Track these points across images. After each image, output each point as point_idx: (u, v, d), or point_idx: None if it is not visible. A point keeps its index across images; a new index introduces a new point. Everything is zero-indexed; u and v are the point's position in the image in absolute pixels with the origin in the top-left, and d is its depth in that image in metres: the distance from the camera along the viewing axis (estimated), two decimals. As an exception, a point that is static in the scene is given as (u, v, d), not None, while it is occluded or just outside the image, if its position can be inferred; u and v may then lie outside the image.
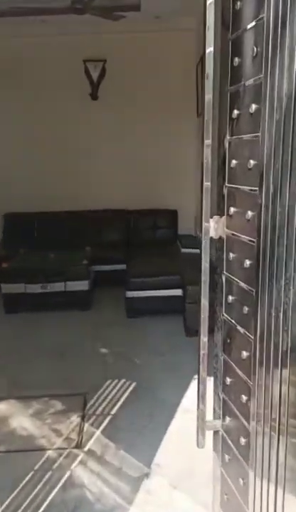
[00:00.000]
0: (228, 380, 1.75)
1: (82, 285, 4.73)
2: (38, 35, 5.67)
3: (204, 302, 1.80)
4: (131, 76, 5.98)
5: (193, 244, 5.71)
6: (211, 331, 1.86)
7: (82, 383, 3.23)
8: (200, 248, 1.83)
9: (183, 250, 5.54)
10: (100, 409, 2.89)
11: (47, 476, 2.28)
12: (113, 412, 2.85)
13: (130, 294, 4.46)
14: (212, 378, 1.88)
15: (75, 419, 2.79)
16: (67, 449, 2.51)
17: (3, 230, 6.13)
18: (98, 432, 2.64)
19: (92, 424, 2.73)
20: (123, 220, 6.17)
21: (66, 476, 2.29)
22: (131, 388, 3.13)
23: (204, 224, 1.78)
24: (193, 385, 3.12)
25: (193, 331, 4.01)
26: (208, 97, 1.64)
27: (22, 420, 2.80)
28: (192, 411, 2.88)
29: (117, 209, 6.24)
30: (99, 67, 5.91)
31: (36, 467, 2.35)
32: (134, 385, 3.17)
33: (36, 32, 5.58)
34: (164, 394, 3.04)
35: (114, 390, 3.11)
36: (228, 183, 1.72)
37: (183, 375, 3.28)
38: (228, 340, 1.75)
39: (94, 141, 6.16)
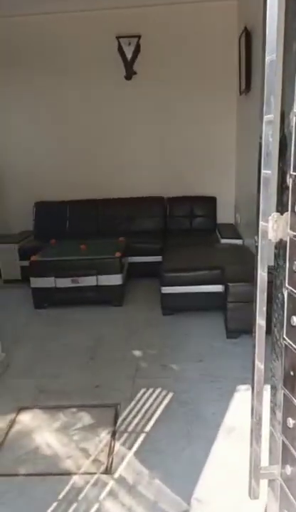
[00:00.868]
0: (291, 422, 1.38)
1: (115, 279, 4.42)
2: (64, 11, 5.33)
3: (260, 322, 1.44)
4: (167, 53, 5.55)
5: (234, 235, 5.30)
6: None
7: (113, 392, 2.93)
8: (256, 254, 1.45)
9: (223, 241, 5.14)
10: (133, 425, 2.58)
11: (72, 510, 2.00)
12: (147, 429, 2.54)
13: (165, 289, 4.12)
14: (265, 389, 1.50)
15: (105, 436, 2.50)
16: (95, 474, 2.22)
17: (34, 219, 5.88)
18: (130, 454, 2.34)
19: (123, 444, 2.43)
20: (160, 208, 5.82)
21: (94, 510, 1.99)
22: (166, 400, 2.81)
23: (261, 224, 1.39)
24: (238, 398, 2.78)
25: (234, 333, 3.65)
26: (270, 57, 1.25)
27: (47, 436, 2.53)
28: (237, 430, 2.55)
29: (152, 196, 5.88)
30: (133, 43, 5.50)
31: (60, 497, 2.08)
32: (170, 396, 2.85)
33: (62, 8, 5.23)
34: (204, 408, 2.70)
35: (149, 402, 2.80)
36: (295, 170, 1.32)
37: (225, 385, 2.94)
38: (292, 373, 1.38)
39: (128, 125, 5.79)
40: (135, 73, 5.59)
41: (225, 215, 5.93)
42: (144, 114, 5.74)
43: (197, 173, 5.86)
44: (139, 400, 2.81)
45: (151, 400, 2.81)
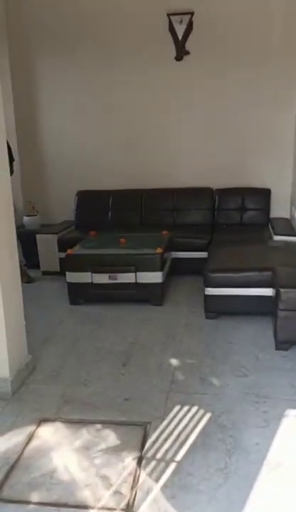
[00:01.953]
0: None
1: (155, 277, 4.10)
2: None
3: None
4: (222, 31, 5.10)
5: (289, 231, 4.83)
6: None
7: (144, 407, 2.63)
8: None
9: (276, 238, 4.68)
10: (162, 450, 2.27)
11: None
12: (178, 457, 2.22)
13: (210, 291, 3.76)
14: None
15: (130, 462, 2.20)
16: (115, 510, 1.93)
17: (76, 209, 5.65)
18: (157, 488, 2.03)
19: (150, 474, 2.12)
20: (208, 200, 5.42)
21: None
22: (203, 422, 2.47)
23: None
24: (287, 425, 2.40)
25: (285, 344, 3.25)
26: None
27: (66, 456, 2.27)
28: (285, 467, 2.16)
29: (200, 187, 5.49)
30: (185, 21, 5.09)
31: (72, 536, 1.80)
32: (207, 417, 2.51)
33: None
34: (246, 436, 2.35)
35: (183, 423, 2.47)
36: None
37: (271, 408, 2.57)
38: None
39: (176, 110, 5.41)
40: (187, 53, 5.18)
41: (279, 209, 5.45)
42: (195, 98, 5.33)
43: (250, 162, 5.41)
44: (172, 420, 2.50)
45: (185, 420, 2.49)
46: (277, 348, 3.26)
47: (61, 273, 4.70)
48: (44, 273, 5.15)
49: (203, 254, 4.75)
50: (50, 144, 5.78)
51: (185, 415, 2.53)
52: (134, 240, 4.58)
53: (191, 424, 2.46)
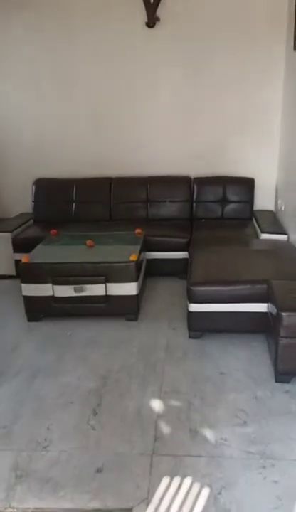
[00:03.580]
0: None
1: (129, 289, 3.49)
2: None
3: None
4: (201, -7, 4.39)
5: (276, 228, 4.29)
6: None
7: (122, 483, 2.06)
8: None
9: (264, 236, 4.14)
10: None
11: None
12: None
13: (194, 307, 3.18)
14: None
15: None
16: None
17: (33, 200, 4.91)
18: None
19: None
20: (185, 191, 4.81)
21: None
22: (200, 504, 1.92)
23: None
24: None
25: (286, 376, 2.72)
26: None
27: None
28: None
29: (177, 175, 4.86)
30: (158, -21, 4.34)
31: None
32: (204, 496, 1.96)
33: None
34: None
35: (174, 507, 1.91)
36: None
37: (283, 478, 2.05)
38: None
39: (148, 86, 4.70)
40: (157, 20, 4.45)
41: (263, 200, 4.90)
42: (169, 73, 4.63)
43: (232, 148, 4.80)
44: (159, 504, 1.93)
45: (177, 504, 1.93)
46: (278, 381, 2.74)
47: (19, 277, 4.00)
48: (-2, 277, 4.46)
49: (181, 255, 4.21)
50: (0, 126, 4.97)
51: (176, 494, 1.98)
52: (103, 241, 3.94)
53: (185, 509, 1.90)
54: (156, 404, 2.57)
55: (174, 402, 2.58)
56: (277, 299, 2.76)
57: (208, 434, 2.33)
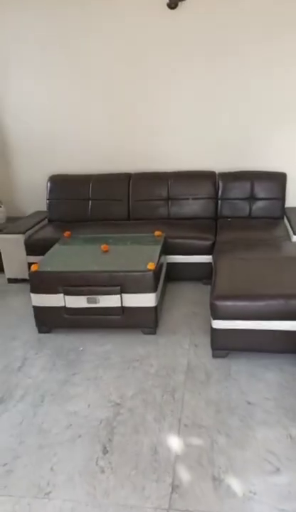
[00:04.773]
0: None
1: (147, 300, 3.17)
2: None
3: None
4: None
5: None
6: None
7: None
8: None
9: (297, 239, 3.74)
10: None
11: None
12: None
13: (218, 324, 2.84)
14: None
15: None
16: None
17: (48, 198, 4.63)
18: None
19: None
20: (210, 187, 4.43)
21: None
22: None
23: None
24: None
25: None
26: None
27: None
28: None
29: (201, 170, 4.49)
30: None
31: None
32: None
33: None
34: None
35: None
36: None
37: None
38: None
39: (170, 74, 4.32)
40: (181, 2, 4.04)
41: (294, 196, 4.48)
42: (192, 58, 4.23)
43: (261, 140, 4.39)
44: None
45: None
46: (316, 415, 2.39)
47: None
48: (10, 281, 4.23)
49: (205, 258, 3.88)
50: (13, 119, 4.68)
51: None
52: (119, 244, 3.63)
53: None
54: (175, 442, 2.26)
55: (195, 440, 2.27)
56: (315, 322, 2.39)
57: (235, 484, 2.01)
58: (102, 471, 2.11)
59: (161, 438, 2.29)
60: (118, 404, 2.55)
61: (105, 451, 2.22)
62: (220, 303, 2.79)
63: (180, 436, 2.29)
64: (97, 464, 2.15)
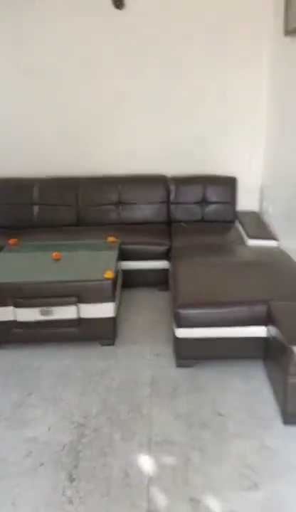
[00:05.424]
0: None
1: (105, 310, 3.00)
2: None
3: None
4: None
5: (265, 233, 3.90)
6: None
7: None
8: None
9: (251, 242, 3.73)
10: None
11: None
12: None
13: (182, 332, 2.73)
14: None
15: None
16: None
17: (-8, 203, 4.33)
18: None
19: None
20: (161, 191, 4.34)
21: None
22: None
23: None
24: None
25: (295, 417, 2.32)
26: None
27: None
28: None
29: (151, 174, 4.39)
30: None
31: None
32: None
33: None
34: None
35: None
36: None
37: None
38: None
39: (119, 75, 4.18)
40: (128, 1, 3.93)
41: (245, 200, 4.50)
42: (143, 61, 4.12)
43: (211, 145, 4.37)
44: None
45: None
46: (287, 423, 2.33)
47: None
48: None
49: (161, 264, 3.78)
50: None
51: None
52: (71, 252, 3.43)
53: None
54: (146, 462, 2.11)
55: (168, 459, 2.13)
56: (283, 329, 2.35)
57: (213, 504, 1.90)
58: (70, 502, 1.92)
59: (131, 459, 2.13)
60: (82, 425, 2.36)
61: (72, 479, 2.03)
62: (184, 311, 2.69)
63: (151, 455, 2.15)
64: (63, 494, 1.96)
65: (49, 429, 2.33)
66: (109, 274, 2.96)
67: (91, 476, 2.04)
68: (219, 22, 3.97)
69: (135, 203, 4.31)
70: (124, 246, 3.71)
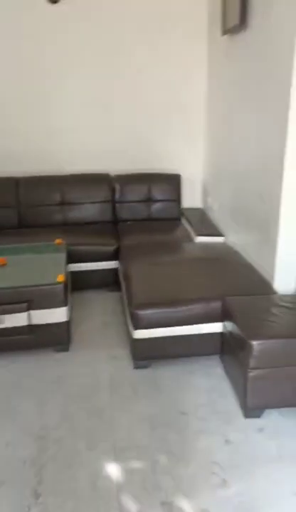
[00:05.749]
0: None
1: (58, 315, 2.90)
2: None
3: None
4: None
5: (212, 230, 3.96)
6: None
7: None
8: None
9: (199, 239, 3.78)
10: None
11: None
12: None
13: (140, 333, 2.70)
14: None
15: None
16: None
17: None
18: None
19: None
20: (105, 190, 4.28)
21: None
22: None
23: None
24: None
25: (256, 411, 2.37)
26: None
27: None
28: None
29: (95, 172, 4.32)
30: None
31: None
32: None
33: None
34: None
35: None
36: None
37: None
38: None
39: (58, 71, 4.06)
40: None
41: (189, 197, 4.56)
42: (83, 56, 4.03)
43: (154, 141, 4.37)
44: None
45: None
46: (248, 416, 2.38)
47: None
48: None
49: (109, 265, 3.73)
50: None
51: None
52: (17, 255, 3.29)
53: None
54: (114, 470, 2.06)
55: (135, 463, 2.10)
56: (241, 324, 2.38)
57: (185, 505, 1.89)
58: (38, 520, 1.83)
59: (98, 468, 2.07)
60: (42, 437, 2.27)
61: (37, 496, 1.94)
62: (141, 312, 2.65)
63: (118, 462, 2.10)
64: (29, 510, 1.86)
65: (7, 445, 2.22)
66: (61, 278, 2.86)
67: (58, 490, 1.96)
68: (158, 21, 3.96)
69: (80, 203, 4.22)
70: (71, 247, 3.61)
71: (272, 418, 2.36)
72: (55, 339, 2.96)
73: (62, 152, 4.26)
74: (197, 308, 2.69)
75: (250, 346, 2.23)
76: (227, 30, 3.45)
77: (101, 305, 3.61)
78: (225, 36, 3.54)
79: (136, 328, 2.68)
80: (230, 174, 3.58)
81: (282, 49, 2.49)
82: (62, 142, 4.24)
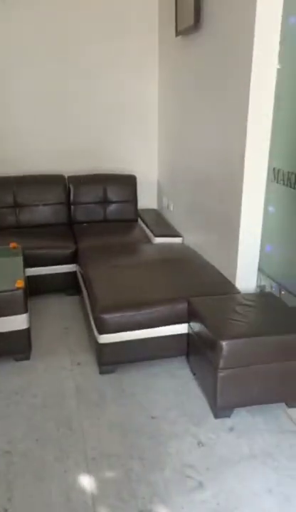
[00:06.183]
0: None
1: (18, 323, 2.78)
2: None
3: None
4: None
5: (169, 230, 3.97)
6: None
7: None
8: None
9: (157, 240, 3.77)
10: None
11: None
12: None
13: (106, 338, 2.65)
14: None
15: None
16: None
17: None
18: None
19: None
20: (60, 191, 4.18)
21: None
22: None
23: None
24: None
25: (226, 410, 2.39)
26: None
27: None
28: None
29: (48, 174, 4.20)
30: None
31: None
32: None
33: None
34: None
35: None
36: None
37: None
38: None
39: (6, 68, 3.91)
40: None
41: (144, 198, 4.55)
42: (35, 52, 3.91)
43: (109, 142, 4.32)
44: None
45: None
46: (218, 417, 2.38)
47: None
48: None
49: (67, 268, 3.64)
50: None
51: None
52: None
53: None
54: (87, 481, 2.00)
55: (109, 473, 2.04)
56: (209, 325, 2.39)
57: (163, 511, 1.85)
58: None
59: (70, 480, 2.00)
60: (7, 452, 2.16)
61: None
62: (107, 316, 2.60)
63: (91, 472, 2.04)
64: (1, 534, 1.76)
65: (-28, 462, 2.09)
66: (20, 283, 2.75)
67: (29, 507, 1.87)
68: (111, 21, 3.92)
69: (34, 205, 4.09)
70: (27, 251, 3.48)
71: (242, 417, 2.38)
72: (15, 348, 2.84)
73: (15, 152, 4.11)
74: (163, 310, 2.67)
75: (220, 346, 2.24)
76: (181, 31, 3.46)
77: (60, 310, 3.51)
78: (179, 37, 3.55)
79: (101, 332, 2.62)
80: (188, 174, 3.60)
81: (240, 48, 2.51)
82: (15, 142, 4.09)
